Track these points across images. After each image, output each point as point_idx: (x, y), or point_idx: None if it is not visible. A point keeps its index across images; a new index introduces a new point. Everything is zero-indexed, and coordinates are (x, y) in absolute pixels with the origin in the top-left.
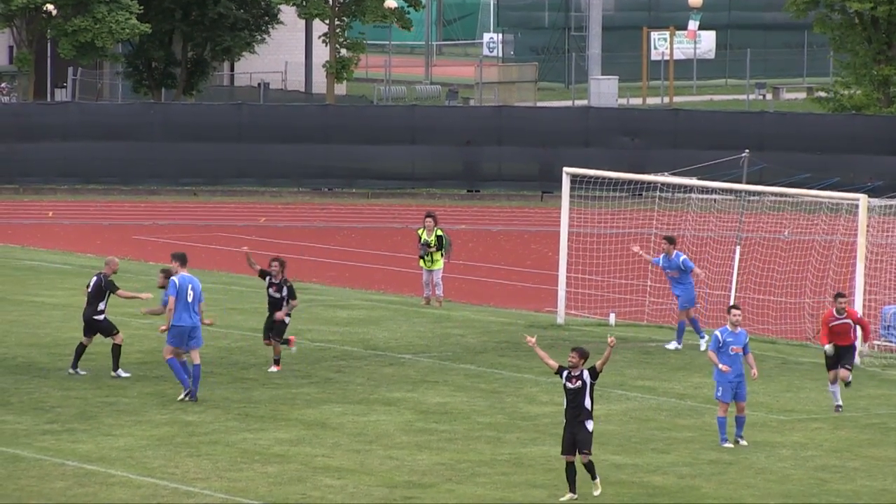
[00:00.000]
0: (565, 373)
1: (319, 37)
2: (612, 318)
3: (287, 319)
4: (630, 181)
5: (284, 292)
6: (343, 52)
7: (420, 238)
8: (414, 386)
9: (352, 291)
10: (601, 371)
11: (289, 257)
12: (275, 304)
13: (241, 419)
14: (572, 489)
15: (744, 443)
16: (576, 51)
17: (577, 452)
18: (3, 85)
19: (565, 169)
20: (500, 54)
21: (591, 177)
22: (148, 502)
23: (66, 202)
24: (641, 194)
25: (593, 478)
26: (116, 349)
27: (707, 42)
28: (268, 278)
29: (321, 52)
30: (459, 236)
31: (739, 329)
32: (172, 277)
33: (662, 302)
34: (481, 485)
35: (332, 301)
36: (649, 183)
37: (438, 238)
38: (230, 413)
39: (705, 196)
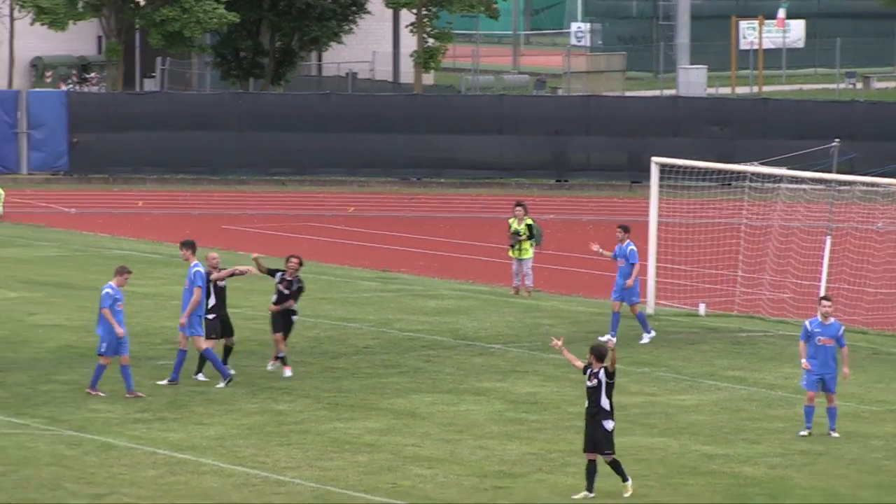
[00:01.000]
0: (587, 371)
1: (407, 26)
2: (701, 308)
3: (294, 318)
4: (719, 171)
5: (294, 288)
6: (430, 41)
7: (510, 227)
8: (503, 376)
9: (441, 281)
10: (613, 371)
11: (377, 247)
12: (281, 301)
13: (331, 408)
14: (589, 487)
15: (836, 435)
16: (664, 40)
17: (597, 452)
18: (92, 75)
19: (654, 159)
20: (588, 44)
21: (679, 166)
22: (239, 491)
23: (156, 191)
24: (730, 184)
25: (623, 479)
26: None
27: (796, 31)
28: (279, 275)
29: (409, 42)
30: (548, 226)
31: (831, 320)
32: (198, 268)
33: (752, 292)
34: (571, 475)
35: (421, 290)
36: (738, 173)
37: (528, 227)
38: (320, 402)
39: (794, 186)
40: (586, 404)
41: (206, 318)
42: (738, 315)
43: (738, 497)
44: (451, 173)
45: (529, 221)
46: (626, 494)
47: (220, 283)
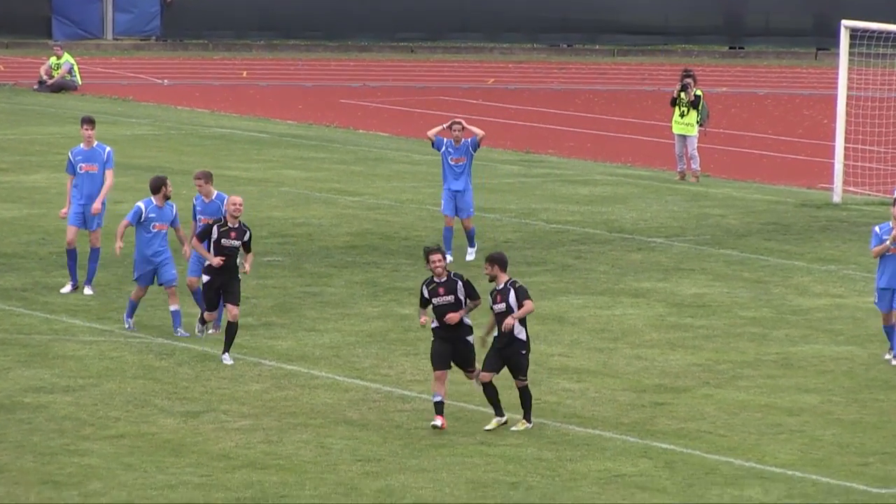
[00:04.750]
0: (492, 293)
1: None
2: None
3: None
4: None
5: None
6: None
7: (675, 97)
8: (666, 275)
9: (594, 164)
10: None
11: (520, 125)
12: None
13: None
14: (499, 412)
15: None
16: None
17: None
18: None
19: (844, 22)
20: None
21: (874, 31)
22: (356, 408)
23: (263, 60)
24: None
25: (525, 415)
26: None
27: None
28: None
29: None
30: (720, 101)
31: None
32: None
33: None
34: (743, 389)
35: (572, 175)
36: None
37: (696, 98)
38: None
39: None
40: (495, 333)
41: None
42: None
43: None
44: (607, 39)
45: (699, 92)
46: (517, 428)
47: (226, 243)
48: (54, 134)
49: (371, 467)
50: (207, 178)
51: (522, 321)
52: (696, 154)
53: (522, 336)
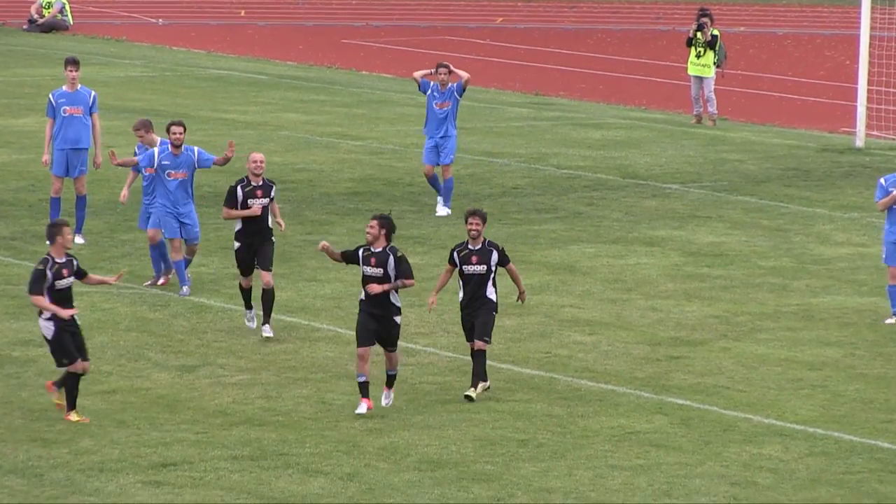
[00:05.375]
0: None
1: None
2: None
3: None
4: None
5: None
6: None
7: (691, 37)
8: (681, 222)
9: (606, 107)
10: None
11: (530, 66)
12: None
13: None
14: (475, 381)
15: None
16: None
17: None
18: None
19: None
20: None
21: None
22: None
23: None
24: None
25: (482, 377)
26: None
27: None
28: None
29: None
30: (737, 41)
31: None
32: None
33: None
34: (763, 342)
35: (583, 119)
36: None
37: (713, 38)
38: None
39: None
40: (461, 294)
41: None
42: None
43: None
44: None
45: (716, 32)
46: (469, 393)
47: (254, 203)
48: (44, 76)
49: (374, 424)
50: (147, 127)
51: (494, 281)
52: (713, 97)
53: (493, 297)
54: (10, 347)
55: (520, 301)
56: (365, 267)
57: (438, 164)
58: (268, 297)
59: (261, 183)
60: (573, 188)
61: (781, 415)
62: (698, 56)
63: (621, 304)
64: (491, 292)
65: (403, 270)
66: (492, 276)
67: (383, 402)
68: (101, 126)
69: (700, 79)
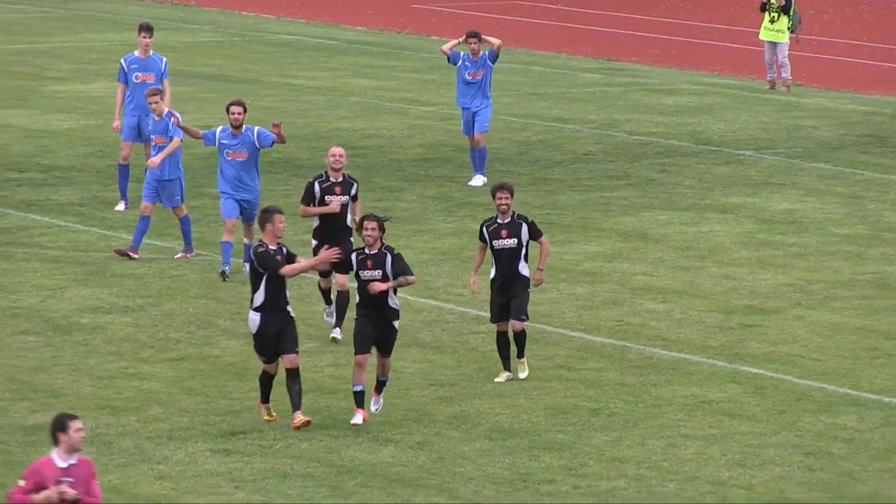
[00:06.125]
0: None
1: None
2: None
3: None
4: None
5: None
6: None
7: (765, 2)
8: (755, 189)
9: (679, 73)
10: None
11: (602, 31)
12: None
13: (544, 228)
14: (506, 366)
15: None
16: None
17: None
18: None
19: None
20: None
21: None
22: (429, 330)
23: None
24: None
25: (521, 354)
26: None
27: None
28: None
29: None
30: (811, 5)
31: None
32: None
33: None
34: (837, 310)
35: (656, 84)
36: None
37: (787, 2)
38: None
39: None
40: (493, 272)
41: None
42: None
43: None
44: None
45: None
46: (522, 375)
47: (331, 199)
48: (112, 41)
49: (444, 392)
50: (160, 94)
51: (526, 256)
52: (787, 62)
53: (526, 273)
54: (79, 314)
55: (533, 282)
56: (361, 271)
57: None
58: (343, 299)
59: (340, 179)
60: (645, 154)
61: (856, 384)
62: (772, 21)
63: (694, 271)
64: (524, 268)
65: (402, 268)
66: (523, 250)
67: (373, 408)
68: (170, 92)
69: (774, 44)
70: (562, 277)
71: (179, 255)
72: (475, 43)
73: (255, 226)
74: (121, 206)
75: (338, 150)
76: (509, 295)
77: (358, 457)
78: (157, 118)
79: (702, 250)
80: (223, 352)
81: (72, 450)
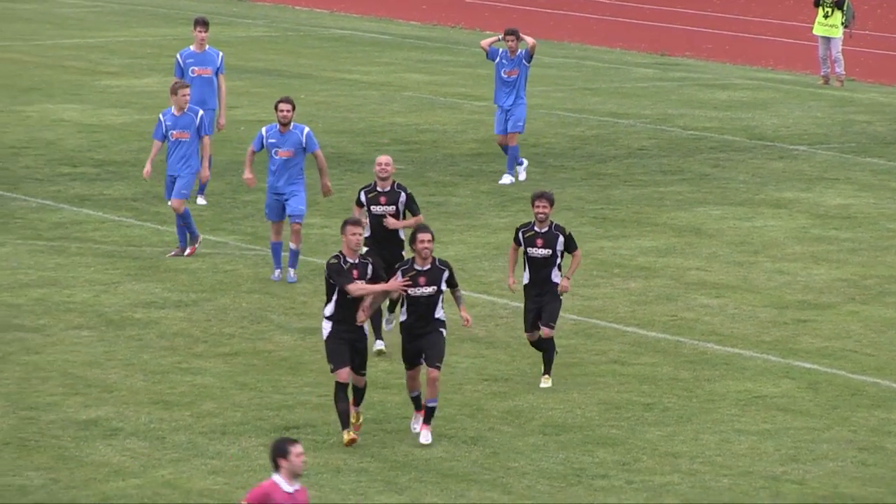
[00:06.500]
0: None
1: None
2: None
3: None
4: None
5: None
6: None
7: None
8: (809, 184)
9: (732, 67)
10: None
11: (656, 26)
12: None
13: (598, 224)
14: (549, 367)
15: None
16: None
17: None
18: None
19: None
20: None
21: None
22: (483, 325)
23: None
24: None
25: (549, 362)
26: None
27: None
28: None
29: None
30: (865, 1)
31: None
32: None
33: None
34: (891, 305)
35: (709, 79)
36: None
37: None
38: (584, 217)
39: None
40: (526, 278)
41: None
42: None
43: None
44: None
45: None
46: (546, 384)
47: (377, 210)
48: (166, 36)
49: (498, 387)
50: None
51: (559, 266)
52: (841, 57)
53: (557, 279)
54: (132, 309)
55: (559, 288)
56: (415, 289)
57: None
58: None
59: (387, 188)
60: (699, 149)
61: None
62: (826, 16)
63: (748, 266)
64: (556, 276)
65: (455, 280)
66: (557, 261)
67: (421, 441)
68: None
69: (828, 39)
70: (615, 273)
71: (173, 252)
72: (513, 40)
73: (279, 227)
74: None
75: (384, 159)
76: (541, 301)
77: (411, 451)
78: (177, 113)
79: (755, 245)
80: (276, 346)
81: (294, 475)
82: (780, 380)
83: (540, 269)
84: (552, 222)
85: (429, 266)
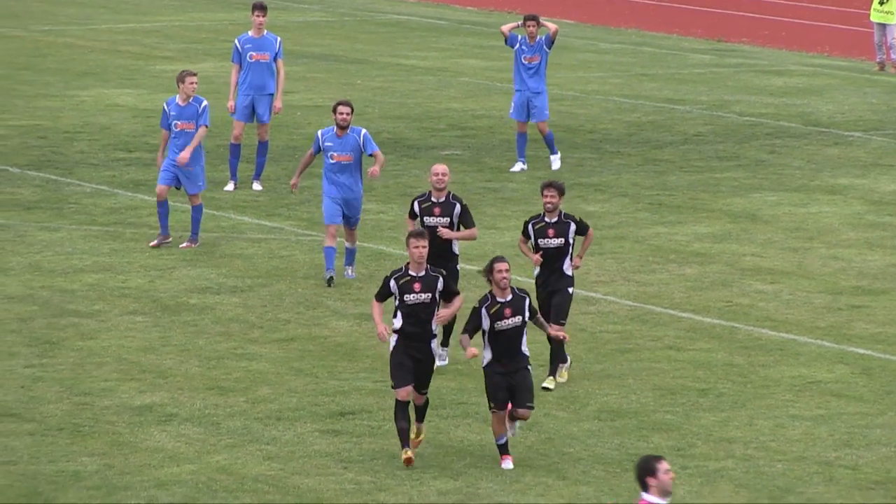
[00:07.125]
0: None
1: None
2: None
3: None
4: None
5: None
6: None
7: None
8: (864, 171)
9: (788, 54)
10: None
11: (712, 12)
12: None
13: (654, 210)
14: (555, 367)
15: None
16: None
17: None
18: None
19: None
20: None
21: None
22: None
23: None
24: None
25: (563, 359)
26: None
27: None
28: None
29: None
30: None
31: None
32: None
33: None
34: None
35: (765, 66)
36: None
37: None
38: (640, 203)
39: None
40: (536, 269)
41: None
42: None
43: None
44: None
45: None
46: (551, 386)
47: (430, 222)
48: (222, 21)
49: None
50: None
51: (571, 255)
52: None
53: (570, 272)
54: (188, 295)
55: (573, 265)
56: (498, 321)
57: (528, 122)
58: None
59: (442, 199)
60: (755, 136)
61: None
62: (881, 3)
63: (803, 252)
64: (568, 268)
65: (534, 307)
66: (570, 249)
67: (509, 433)
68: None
69: (883, 26)
70: (671, 258)
71: (184, 244)
72: (533, 26)
73: (335, 230)
74: (230, 186)
75: (440, 168)
76: (550, 296)
77: (467, 437)
78: (181, 102)
79: (811, 231)
80: (332, 332)
81: (664, 493)
82: (833, 365)
83: (553, 262)
84: (561, 211)
85: (510, 297)
